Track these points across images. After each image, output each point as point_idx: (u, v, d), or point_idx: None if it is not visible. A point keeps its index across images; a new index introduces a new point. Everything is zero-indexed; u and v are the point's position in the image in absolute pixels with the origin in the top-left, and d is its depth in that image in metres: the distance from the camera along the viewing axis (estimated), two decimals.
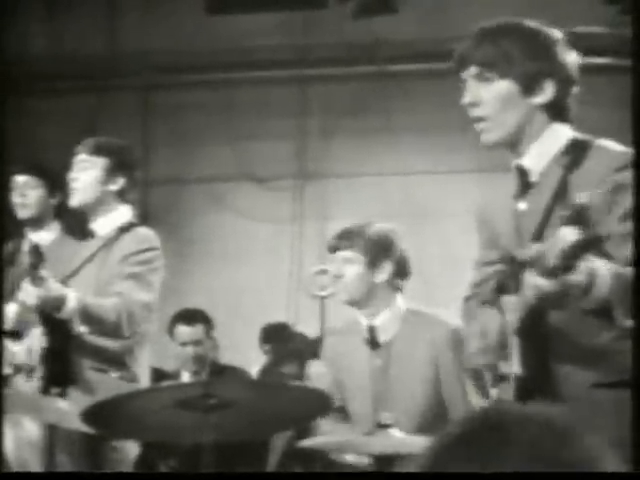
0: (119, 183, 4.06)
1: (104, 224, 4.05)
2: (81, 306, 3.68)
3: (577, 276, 2.16)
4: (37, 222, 4.58)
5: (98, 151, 4.07)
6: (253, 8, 8.19)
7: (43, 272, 3.58)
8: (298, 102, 8.76)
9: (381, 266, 3.69)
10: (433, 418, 3.59)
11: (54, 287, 3.65)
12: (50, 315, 3.69)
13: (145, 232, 4.03)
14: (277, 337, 7.25)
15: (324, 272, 4.00)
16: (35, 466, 3.82)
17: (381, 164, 8.53)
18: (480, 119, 2.54)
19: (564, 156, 2.50)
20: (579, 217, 2.07)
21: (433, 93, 8.10)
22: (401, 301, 3.74)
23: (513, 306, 2.38)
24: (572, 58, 2.58)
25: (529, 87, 2.52)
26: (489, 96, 2.53)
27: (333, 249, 3.76)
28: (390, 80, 8.37)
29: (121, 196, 4.08)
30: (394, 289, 3.74)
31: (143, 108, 8.88)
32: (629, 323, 2.24)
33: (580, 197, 2.10)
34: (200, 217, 8.83)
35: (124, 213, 4.08)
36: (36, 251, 3.59)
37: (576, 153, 2.48)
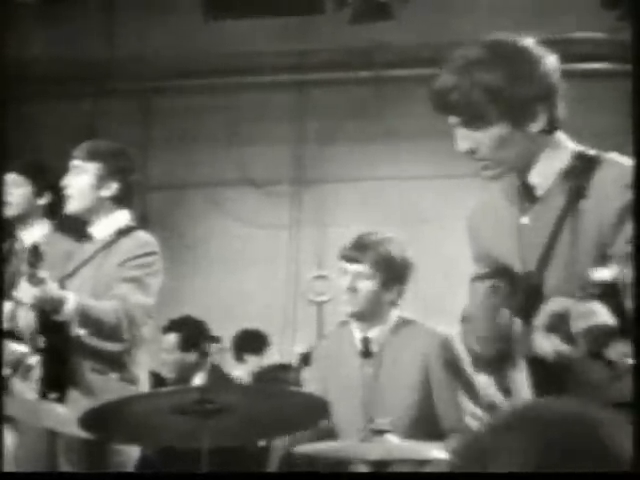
0: (112, 189, 4.01)
1: (101, 228, 4.02)
2: (80, 308, 3.68)
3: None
4: (23, 221, 4.46)
5: (91, 156, 4.02)
6: (251, 13, 8.19)
7: (42, 273, 3.57)
8: (296, 107, 8.77)
9: (394, 288, 3.69)
10: (424, 426, 3.58)
11: (53, 289, 3.64)
12: (48, 317, 3.68)
13: (144, 236, 4.01)
14: (252, 345, 7.21)
15: (322, 278, 3.98)
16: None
17: (379, 169, 8.54)
18: (479, 160, 2.42)
19: (572, 172, 2.37)
20: (607, 293, 1.98)
21: None
22: (395, 311, 3.75)
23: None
24: (551, 63, 2.40)
25: (522, 121, 2.37)
26: (484, 141, 2.38)
27: (347, 259, 3.72)
28: (388, 85, 8.38)
29: (116, 201, 4.03)
30: (394, 305, 3.75)
31: (142, 112, 8.88)
32: (626, 363, 2.09)
33: (601, 273, 2.00)
34: (199, 222, 8.83)
35: (121, 218, 4.04)
36: (35, 251, 3.57)
37: (585, 169, 2.36)
